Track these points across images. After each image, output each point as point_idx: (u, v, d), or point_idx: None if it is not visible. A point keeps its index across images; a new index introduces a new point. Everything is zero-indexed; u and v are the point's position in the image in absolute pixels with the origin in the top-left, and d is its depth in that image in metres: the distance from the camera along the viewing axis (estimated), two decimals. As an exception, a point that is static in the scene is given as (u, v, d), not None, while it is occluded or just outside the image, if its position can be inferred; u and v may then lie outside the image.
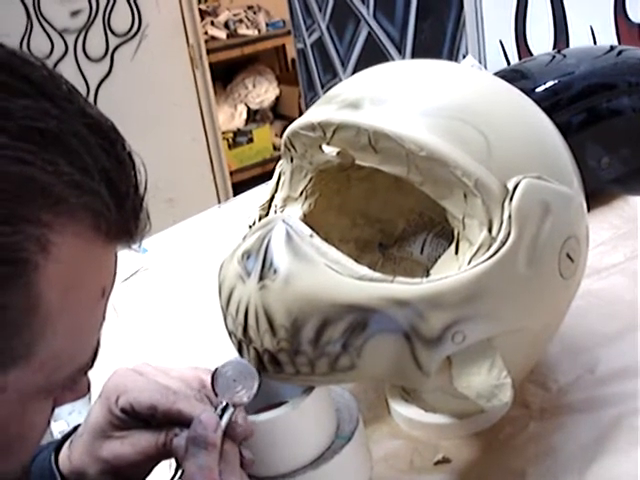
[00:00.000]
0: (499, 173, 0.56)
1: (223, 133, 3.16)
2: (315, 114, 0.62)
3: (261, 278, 0.56)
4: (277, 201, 0.69)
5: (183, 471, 0.50)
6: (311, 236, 0.57)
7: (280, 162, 0.70)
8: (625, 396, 0.71)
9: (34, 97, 0.37)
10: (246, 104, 3.32)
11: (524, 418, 0.72)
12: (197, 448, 0.49)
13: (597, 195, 1.03)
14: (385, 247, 0.77)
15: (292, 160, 0.67)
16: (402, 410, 0.74)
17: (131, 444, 0.56)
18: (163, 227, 1.37)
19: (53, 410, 0.46)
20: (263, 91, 3.27)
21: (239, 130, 3.32)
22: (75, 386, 0.47)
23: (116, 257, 0.43)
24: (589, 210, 0.95)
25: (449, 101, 0.59)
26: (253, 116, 3.38)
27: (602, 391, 0.73)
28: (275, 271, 0.56)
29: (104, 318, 0.44)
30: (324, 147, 0.63)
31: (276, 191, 0.70)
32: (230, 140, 3.28)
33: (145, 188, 0.42)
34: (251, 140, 3.27)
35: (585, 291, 0.85)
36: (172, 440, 0.53)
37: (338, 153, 0.62)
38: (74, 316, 0.40)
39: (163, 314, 1.08)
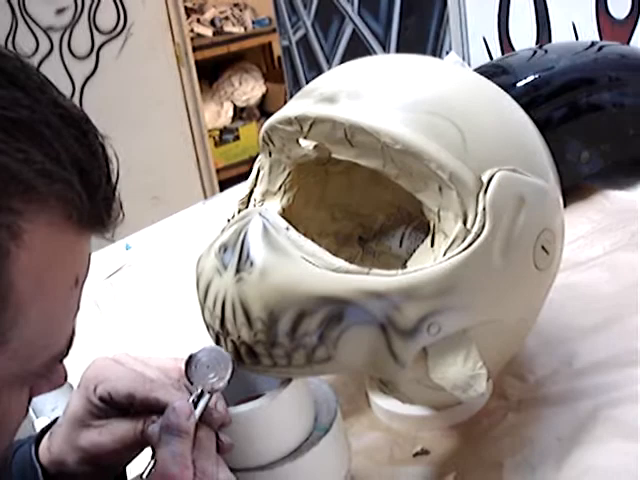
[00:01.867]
0: (474, 166, 0.57)
1: (209, 131, 3.16)
2: (292, 108, 0.63)
3: (238, 271, 0.57)
4: (256, 195, 0.69)
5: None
6: (287, 229, 0.58)
7: (259, 157, 0.70)
8: (602, 388, 0.72)
9: (6, 87, 0.38)
10: (232, 102, 3.31)
11: (502, 410, 0.72)
12: (170, 435, 0.50)
13: (577, 189, 1.04)
14: (364, 241, 0.78)
15: (270, 154, 0.68)
16: (382, 403, 0.74)
17: (109, 433, 0.56)
18: (149, 225, 1.37)
19: (30, 400, 0.46)
20: (249, 89, 3.27)
21: (225, 128, 3.32)
22: (51, 375, 0.47)
23: (89, 246, 0.44)
24: (568, 204, 0.96)
25: (425, 95, 0.60)
26: (239, 114, 3.38)
27: (579, 383, 0.74)
28: (251, 264, 0.56)
29: (79, 307, 0.44)
30: (301, 141, 0.63)
31: (255, 185, 0.70)
32: (216, 138, 3.28)
33: (117, 178, 0.42)
34: (237, 138, 3.27)
35: (563, 284, 0.86)
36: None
37: (315, 147, 0.62)
38: (47, 304, 0.40)
39: (146, 310, 1.08)
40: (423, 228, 0.70)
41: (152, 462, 0.50)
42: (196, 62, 2.99)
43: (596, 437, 0.67)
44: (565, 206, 0.68)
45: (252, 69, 3.33)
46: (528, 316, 0.65)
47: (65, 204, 0.39)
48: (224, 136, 3.30)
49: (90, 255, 0.44)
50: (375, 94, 0.60)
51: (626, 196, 1.04)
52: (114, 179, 0.42)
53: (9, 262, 0.37)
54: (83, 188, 0.39)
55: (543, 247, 0.60)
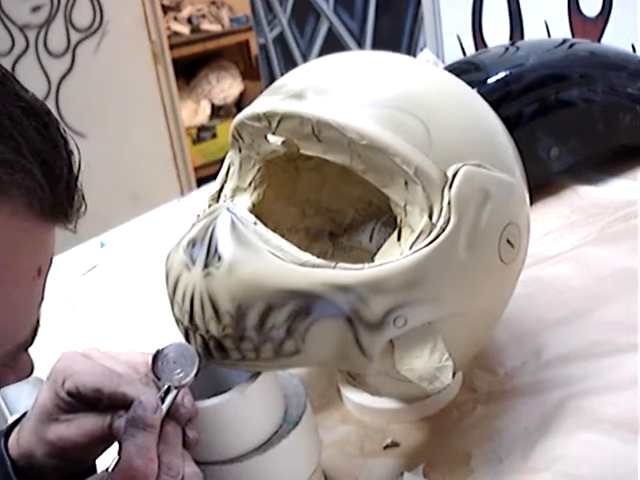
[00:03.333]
0: (439, 161, 0.58)
1: (187, 129, 3.16)
2: (260, 104, 0.63)
3: (206, 266, 0.57)
4: (226, 191, 0.70)
5: None
6: (255, 224, 0.58)
7: (229, 153, 0.71)
8: (570, 379, 0.73)
9: None
10: (210, 100, 3.31)
11: (471, 402, 0.73)
12: (135, 429, 0.50)
13: (547, 185, 1.06)
14: (335, 236, 0.78)
15: (240, 150, 0.68)
16: (353, 396, 0.75)
17: (77, 426, 0.56)
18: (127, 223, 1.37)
19: None
20: (227, 86, 3.27)
21: (203, 126, 3.31)
22: (16, 365, 0.48)
23: (53, 237, 0.44)
24: (538, 200, 0.97)
25: (391, 92, 0.61)
26: (217, 112, 3.38)
27: (548, 375, 0.75)
28: (219, 258, 0.57)
29: (43, 297, 0.44)
30: (270, 137, 0.64)
31: (225, 181, 0.70)
32: (194, 136, 3.27)
33: (79, 169, 0.43)
34: (215, 136, 3.27)
35: (533, 278, 0.87)
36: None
37: (284, 143, 0.63)
38: (9, 294, 0.41)
39: (119, 308, 1.09)
40: (393, 223, 0.71)
41: (118, 457, 0.50)
42: (173, 60, 2.98)
43: (563, 428, 0.68)
44: (535, 202, 0.69)
45: (229, 67, 3.33)
46: (494, 309, 0.66)
47: (27, 194, 0.39)
48: (201, 134, 3.29)
49: (54, 245, 0.44)
50: (342, 90, 0.60)
51: (595, 192, 1.05)
52: (76, 170, 0.43)
53: None
54: (44, 178, 0.39)
55: (508, 241, 0.61)
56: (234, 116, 0.71)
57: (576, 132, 1.06)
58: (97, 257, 1.25)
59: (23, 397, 0.96)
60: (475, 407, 0.73)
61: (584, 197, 1.05)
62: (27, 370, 0.49)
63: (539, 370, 0.76)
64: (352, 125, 0.57)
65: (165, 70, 2.97)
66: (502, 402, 0.73)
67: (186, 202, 1.42)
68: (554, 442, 0.67)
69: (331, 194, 0.77)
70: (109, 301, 1.11)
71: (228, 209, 0.59)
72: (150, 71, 2.97)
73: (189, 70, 3.35)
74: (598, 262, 0.90)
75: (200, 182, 3.03)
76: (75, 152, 0.43)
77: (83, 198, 0.44)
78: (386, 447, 0.71)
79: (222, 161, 0.71)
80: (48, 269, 0.44)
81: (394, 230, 0.63)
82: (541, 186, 1.02)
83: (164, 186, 2.98)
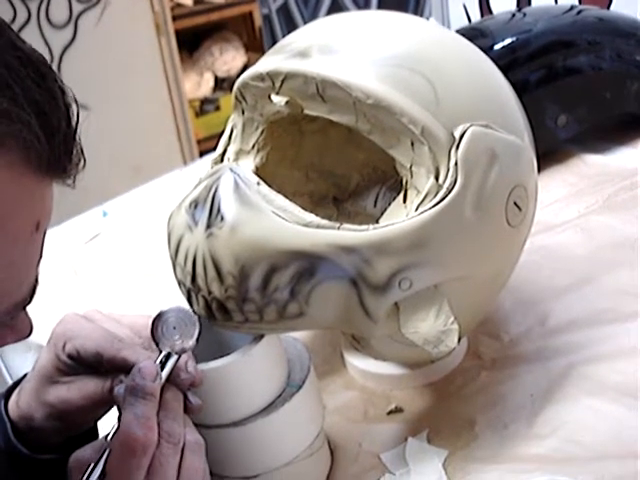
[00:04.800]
0: (446, 121, 0.57)
1: (190, 101, 3.13)
2: (264, 64, 0.62)
3: (208, 226, 0.56)
4: (229, 154, 0.69)
5: None
6: (258, 184, 0.57)
7: (232, 115, 0.70)
8: (575, 346, 0.73)
9: None
10: (213, 72, 3.28)
11: (476, 369, 0.73)
12: (134, 397, 0.49)
13: (554, 153, 1.05)
14: (339, 202, 0.78)
15: (243, 112, 0.67)
16: (357, 362, 0.75)
17: (77, 389, 0.56)
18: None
19: None
20: (230, 59, 3.23)
21: (206, 98, 3.28)
22: (15, 324, 0.47)
23: (51, 193, 0.43)
24: (546, 168, 0.96)
25: (397, 50, 0.59)
26: (220, 84, 3.34)
27: (552, 342, 0.74)
28: (222, 219, 0.56)
29: (41, 255, 0.44)
30: (273, 97, 0.62)
31: (228, 144, 0.69)
32: (197, 108, 3.24)
33: (77, 122, 0.42)
34: (218, 108, 3.24)
35: (538, 246, 0.86)
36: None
37: (287, 103, 0.62)
38: (6, 248, 0.40)
39: (122, 275, 1.08)
40: (398, 188, 0.70)
41: (117, 424, 0.50)
42: (176, 31, 2.95)
43: (568, 394, 0.68)
44: (542, 170, 0.68)
45: (233, 39, 3.29)
46: (501, 273, 0.65)
47: (24, 146, 0.38)
48: (205, 106, 3.26)
49: (52, 201, 0.43)
50: (348, 49, 0.59)
51: (602, 160, 1.04)
52: (74, 123, 0.42)
53: None
54: (41, 130, 0.39)
55: (515, 203, 0.60)
56: None
57: (583, 100, 1.04)
58: (100, 226, 1.25)
59: (26, 366, 0.96)
60: (480, 373, 0.72)
61: (591, 165, 1.03)
62: (26, 330, 0.49)
63: (544, 337, 0.75)
64: (357, 84, 0.56)
65: (168, 42, 2.94)
66: (507, 369, 0.72)
67: (189, 171, 1.41)
68: (559, 409, 0.66)
69: (335, 158, 0.76)
70: (111, 268, 1.10)
71: (231, 169, 0.58)
72: (153, 43, 2.93)
73: (192, 42, 3.32)
74: (604, 230, 0.89)
75: (203, 154, 3.00)
76: (73, 105, 0.42)
77: (82, 152, 0.43)
78: (390, 413, 0.70)
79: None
80: (46, 224, 0.43)
81: (399, 193, 0.62)
82: (548, 154, 1.01)
83: (167, 158, 2.96)
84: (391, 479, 0.63)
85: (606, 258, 0.84)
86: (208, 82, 3.27)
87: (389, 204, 0.72)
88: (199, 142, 3.11)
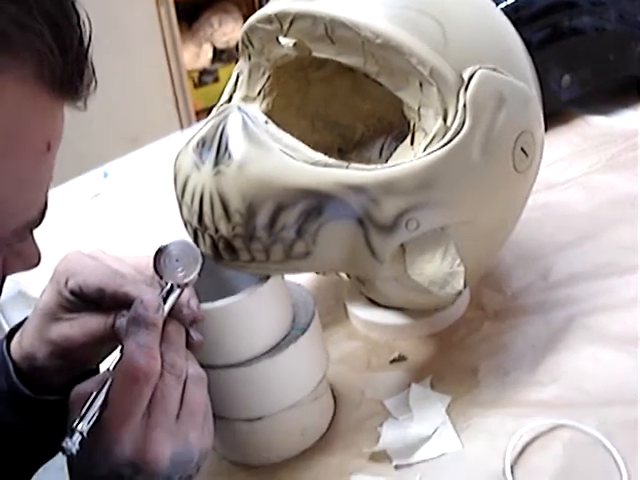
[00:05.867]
0: (455, 63, 0.57)
1: (188, 72, 3.11)
2: (272, 6, 0.61)
3: (216, 164, 0.56)
4: (235, 101, 0.68)
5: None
6: (266, 122, 0.57)
7: (238, 63, 0.69)
8: (577, 299, 0.73)
9: None
10: (212, 43, 3.26)
11: (479, 319, 0.73)
12: (137, 327, 0.49)
13: (558, 115, 1.04)
14: (344, 152, 0.77)
15: (250, 58, 0.66)
16: (360, 313, 0.75)
17: (80, 326, 0.56)
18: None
19: (4, 280, 0.46)
20: (229, 30, 3.21)
21: (205, 69, 3.26)
22: (23, 251, 0.47)
23: (62, 115, 0.43)
24: (549, 128, 0.96)
25: (406, -9, 0.59)
26: (219, 55, 3.33)
27: (554, 295, 0.75)
28: (230, 157, 0.56)
29: (51, 176, 0.43)
30: (281, 39, 0.62)
31: (234, 91, 0.69)
32: (195, 79, 3.23)
33: (89, 42, 0.42)
34: (217, 79, 3.22)
35: (541, 203, 0.87)
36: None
37: (295, 45, 0.61)
38: (18, 164, 0.40)
39: (122, 232, 1.08)
40: (402, 139, 0.70)
41: (120, 356, 0.49)
42: (175, 2, 2.93)
43: (569, 344, 0.68)
44: (546, 130, 0.68)
45: (232, 10, 3.27)
46: (506, 221, 0.65)
47: (38, 59, 0.38)
48: (203, 78, 3.24)
49: (63, 123, 0.43)
50: (356, -10, 0.59)
51: (606, 121, 1.05)
52: (86, 42, 0.41)
53: None
54: (55, 43, 0.38)
55: (522, 149, 0.60)
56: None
57: (587, 61, 1.04)
58: (100, 186, 1.25)
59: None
60: (482, 324, 0.73)
61: (594, 126, 1.04)
62: (34, 259, 0.48)
63: (546, 290, 0.76)
64: (366, 23, 0.56)
65: (167, 12, 2.92)
66: (509, 320, 0.73)
67: (188, 134, 1.40)
68: (560, 358, 0.67)
69: (341, 109, 0.76)
70: (112, 228, 1.10)
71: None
72: (152, 13, 2.91)
73: (191, 13, 3.29)
74: (606, 188, 0.90)
75: (201, 126, 2.99)
76: (87, 26, 0.41)
77: (94, 73, 0.43)
78: (393, 361, 0.71)
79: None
80: (56, 146, 0.43)
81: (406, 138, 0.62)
82: (552, 115, 1.01)
83: (165, 129, 2.94)
84: (394, 424, 0.64)
85: (607, 215, 0.85)
86: (207, 53, 3.25)
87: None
88: (197, 113, 3.09)
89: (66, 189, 1.23)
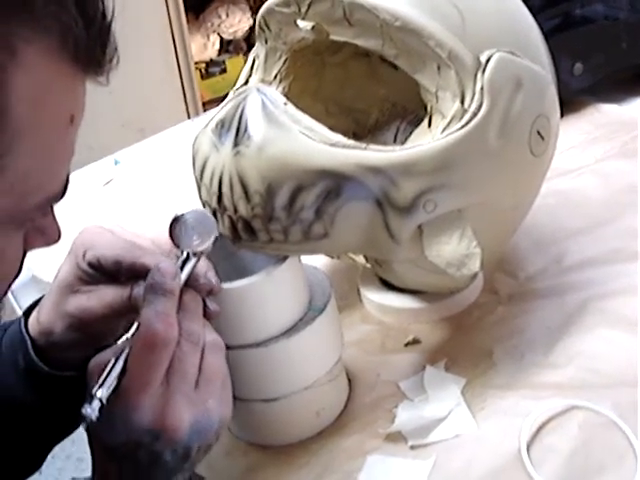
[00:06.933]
0: (472, 46, 0.57)
1: (196, 63, 3.11)
2: (290, -11, 0.62)
3: (235, 145, 0.56)
4: (251, 85, 0.69)
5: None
6: (285, 104, 0.58)
7: (255, 46, 0.70)
8: (590, 283, 0.74)
9: None
10: (219, 34, 3.26)
11: (492, 303, 0.74)
12: (154, 295, 0.49)
13: (570, 103, 1.04)
14: (359, 137, 0.78)
15: (266, 42, 0.67)
16: (374, 297, 0.75)
17: (98, 297, 0.56)
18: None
19: (24, 254, 0.46)
20: (236, 21, 3.21)
21: (212, 60, 3.26)
22: (44, 227, 0.47)
23: (84, 89, 0.43)
24: (562, 117, 0.96)
25: (424, -25, 0.59)
26: (226, 46, 3.33)
27: (568, 278, 0.75)
28: (249, 138, 0.56)
29: (73, 151, 0.44)
30: (299, 22, 0.62)
31: (250, 75, 0.69)
32: (203, 70, 3.23)
33: (112, 17, 0.42)
34: (224, 71, 3.22)
35: (555, 190, 0.87)
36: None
37: (313, 28, 0.61)
38: (42, 136, 0.40)
39: (135, 221, 1.08)
40: (417, 124, 0.70)
41: (137, 325, 0.49)
42: (183, -8, 2.93)
43: (583, 326, 0.69)
44: (559, 117, 0.68)
45: (239, 1, 3.27)
46: (522, 203, 0.66)
47: (61, 30, 0.38)
48: (210, 69, 3.24)
49: (84, 98, 0.43)
50: (374, -27, 0.59)
51: (618, 110, 1.05)
52: (109, 17, 0.42)
53: (6, 77, 0.37)
54: (79, 15, 0.39)
55: (539, 132, 0.61)
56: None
57: (599, 49, 1.04)
58: (112, 173, 1.25)
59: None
60: (496, 308, 0.73)
61: (606, 114, 1.04)
62: (55, 235, 0.48)
63: (560, 274, 0.76)
64: (385, 6, 0.56)
65: (175, 3, 2.92)
66: (523, 303, 0.73)
67: (200, 122, 1.41)
68: (574, 340, 0.67)
69: (356, 93, 0.76)
70: (124, 213, 1.11)
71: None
72: (159, 4, 2.92)
73: (199, 3, 3.29)
74: (618, 175, 0.90)
75: (209, 117, 2.99)
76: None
77: (116, 49, 0.43)
78: (407, 344, 0.71)
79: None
80: (79, 119, 0.43)
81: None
82: (564, 103, 1.01)
83: (172, 121, 2.94)
84: (409, 405, 0.64)
85: (619, 201, 0.85)
86: (214, 44, 3.25)
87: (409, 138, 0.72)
88: (205, 104, 3.09)
89: (78, 176, 1.23)
